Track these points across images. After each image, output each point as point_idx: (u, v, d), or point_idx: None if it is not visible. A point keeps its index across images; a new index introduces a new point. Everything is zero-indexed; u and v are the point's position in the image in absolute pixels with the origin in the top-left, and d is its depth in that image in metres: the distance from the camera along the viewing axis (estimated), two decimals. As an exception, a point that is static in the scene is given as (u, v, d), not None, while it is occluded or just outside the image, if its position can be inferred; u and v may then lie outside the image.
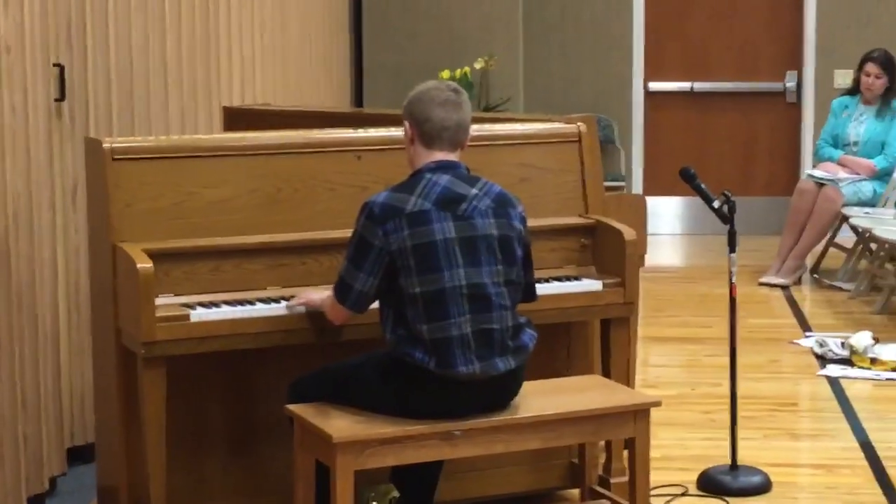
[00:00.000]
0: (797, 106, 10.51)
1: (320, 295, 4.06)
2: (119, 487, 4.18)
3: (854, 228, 8.57)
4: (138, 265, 3.89)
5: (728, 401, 4.97)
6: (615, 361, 4.53)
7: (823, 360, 6.68)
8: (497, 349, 3.90)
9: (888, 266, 8.19)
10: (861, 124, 8.76)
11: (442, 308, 3.85)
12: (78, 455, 5.08)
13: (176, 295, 4.06)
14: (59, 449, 4.91)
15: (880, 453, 5.31)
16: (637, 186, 10.48)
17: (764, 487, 4.89)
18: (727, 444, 4.96)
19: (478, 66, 9.82)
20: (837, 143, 8.84)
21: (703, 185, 4.94)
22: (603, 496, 4.58)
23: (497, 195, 4.00)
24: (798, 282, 8.65)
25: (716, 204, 4.90)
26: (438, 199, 3.90)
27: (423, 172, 3.96)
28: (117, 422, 4.15)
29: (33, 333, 4.72)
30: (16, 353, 4.53)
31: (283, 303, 4.09)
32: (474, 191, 3.96)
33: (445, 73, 9.54)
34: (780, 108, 10.57)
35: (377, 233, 3.86)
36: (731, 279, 4.95)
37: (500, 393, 3.97)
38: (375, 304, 3.96)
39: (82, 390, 5.06)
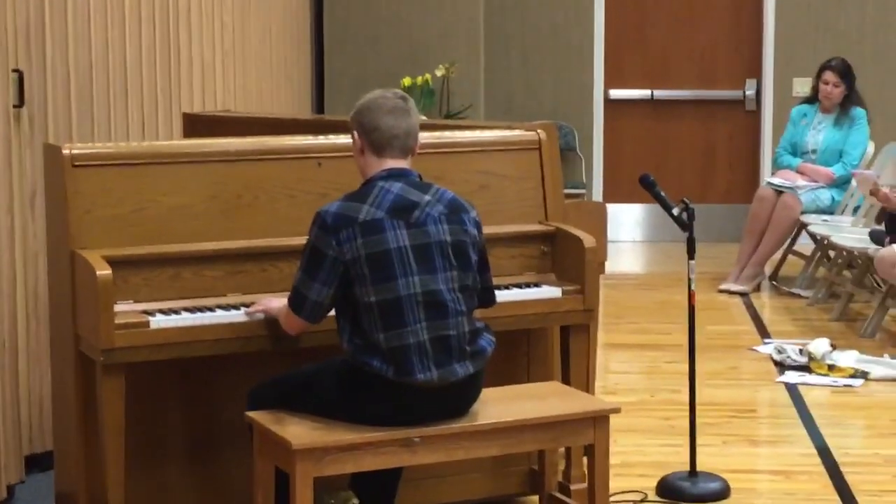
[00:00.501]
0: (756, 114, 10.55)
1: (280, 302, 4.05)
2: (78, 495, 4.16)
3: (812, 236, 8.61)
4: (97, 272, 3.88)
5: (687, 407, 4.98)
6: (575, 368, 4.54)
7: (782, 366, 6.71)
8: (455, 355, 3.90)
9: (846, 273, 8.23)
10: (819, 132, 8.80)
11: (398, 316, 3.85)
12: (36, 463, 5.04)
13: (135, 302, 4.04)
14: (17, 456, 4.88)
15: (838, 459, 5.34)
16: (597, 193, 10.50)
17: (723, 493, 4.91)
18: (686, 450, 4.98)
19: (439, 73, 9.81)
20: (796, 151, 8.88)
21: (662, 193, 4.96)
22: (562, 503, 4.58)
23: (450, 201, 4.00)
24: (757, 289, 8.68)
25: (675, 211, 4.92)
26: (391, 208, 3.90)
27: (375, 181, 3.96)
28: (76, 429, 4.13)
29: (-9, 340, 4.70)
30: (-27, 361, 4.51)
31: (243, 309, 4.09)
32: (427, 197, 3.96)
33: (407, 81, 9.53)
34: (740, 116, 10.62)
35: (330, 242, 3.86)
36: (690, 286, 4.96)
37: (459, 399, 3.97)
38: (332, 312, 3.96)
39: (41, 397, 5.03)
